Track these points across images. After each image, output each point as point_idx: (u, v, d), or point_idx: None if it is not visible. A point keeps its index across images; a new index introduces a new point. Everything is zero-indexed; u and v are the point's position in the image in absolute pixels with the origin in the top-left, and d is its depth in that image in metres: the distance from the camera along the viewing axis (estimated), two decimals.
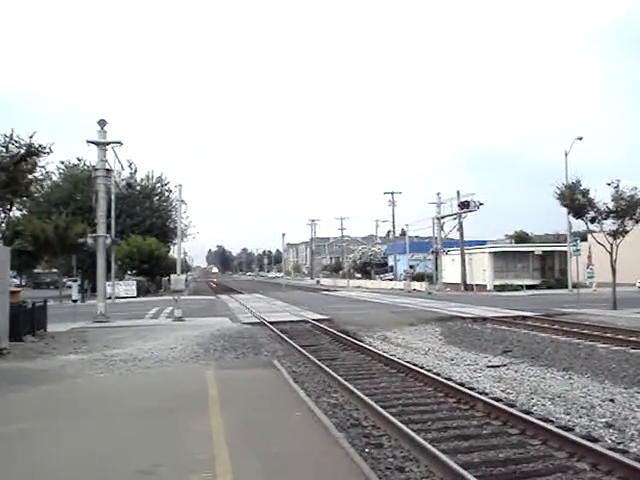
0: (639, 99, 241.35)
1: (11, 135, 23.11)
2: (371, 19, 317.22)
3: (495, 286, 57.97)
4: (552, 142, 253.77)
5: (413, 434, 8.83)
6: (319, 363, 15.87)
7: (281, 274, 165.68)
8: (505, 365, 16.03)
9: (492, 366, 15.94)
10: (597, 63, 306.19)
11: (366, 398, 11.33)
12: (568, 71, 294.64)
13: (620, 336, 20.44)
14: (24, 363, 16.63)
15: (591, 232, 34.09)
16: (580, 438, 8.64)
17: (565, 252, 53.05)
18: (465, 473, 7.08)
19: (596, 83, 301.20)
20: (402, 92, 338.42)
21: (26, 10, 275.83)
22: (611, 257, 30.85)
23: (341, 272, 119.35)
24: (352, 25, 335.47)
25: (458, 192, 63.78)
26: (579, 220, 33.62)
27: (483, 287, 59.13)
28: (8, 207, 26.16)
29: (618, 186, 30.56)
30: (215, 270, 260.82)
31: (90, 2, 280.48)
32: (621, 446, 8.73)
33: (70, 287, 49.53)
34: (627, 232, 30.85)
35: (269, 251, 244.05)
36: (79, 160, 70.85)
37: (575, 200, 31.82)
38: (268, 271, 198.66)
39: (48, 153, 23.98)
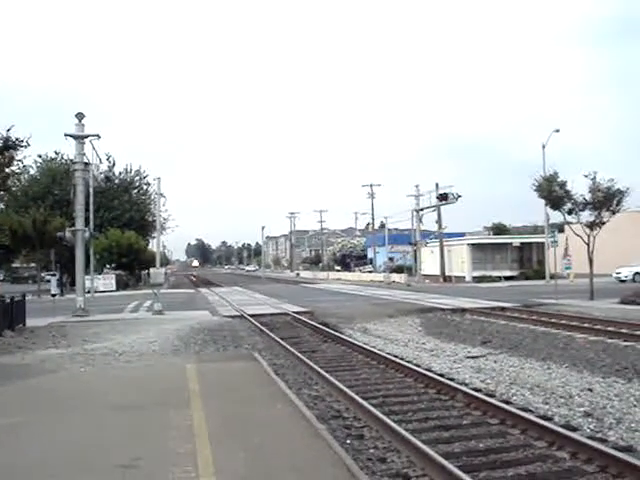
0: (622, 90, 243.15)
1: None
2: (347, 9, 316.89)
3: (474, 277, 58.34)
4: (531, 134, 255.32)
5: (394, 425, 8.88)
6: (300, 355, 15.89)
7: (256, 267, 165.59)
8: (484, 356, 16.14)
9: (471, 357, 16.04)
10: (579, 54, 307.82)
11: (347, 390, 11.37)
12: (548, 62, 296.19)
13: (598, 326, 20.65)
14: (3, 358, 16.50)
15: (568, 223, 34.26)
16: (559, 427, 8.73)
17: (543, 243, 53.46)
18: (446, 463, 7.13)
19: (578, 74, 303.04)
20: (382, 84, 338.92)
21: None
22: (588, 248, 31.08)
23: (321, 265, 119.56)
24: (329, 16, 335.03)
25: (437, 184, 64.06)
26: (557, 212, 33.89)
27: (462, 279, 59.51)
28: None
29: (595, 178, 30.81)
30: (196, 263, 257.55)
31: None
32: (600, 435, 8.84)
33: (49, 281, 49.23)
34: (604, 223, 31.10)
35: (249, 244, 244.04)
36: (57, 154, 70.42)
37: (553, 192, 32.03)
38: (248, 264, 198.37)
39: (25, 147, 23.87)
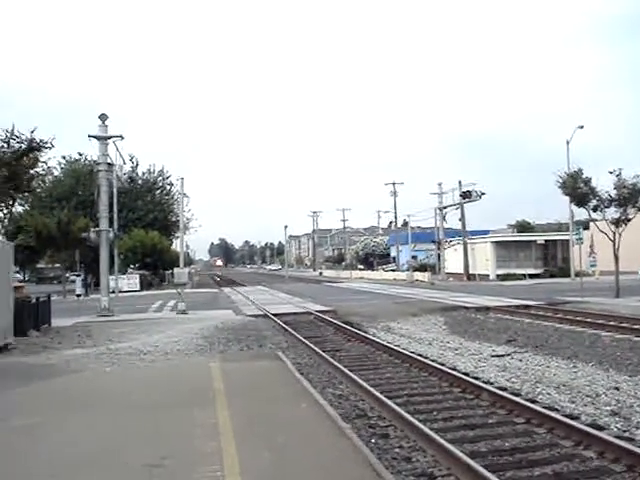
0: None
1: (12, 130, 23.09)
2: (367, 9, 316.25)
3: (498, 275, 57.96)
4: (553, 129, 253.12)
5: (419, 424, 8.85)
6: (323, 354, 15.90)
7: (279, 266, 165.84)
8: (509, 354, 16.05)
9: (496, 355, 15.96)
10: (597, 49, 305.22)
11: (371, 389, 11.36)
12: (568, 57, 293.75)
13: (624, 324, 20.46)
14: (30, 358, 16.67)
15: (593, 220, 34.02)
16: (586, 426, 8.66)
17: (567, 241, 53.09)
18: (472, 462, 7.09)
19: (596, 68, 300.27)
20: (403, 81, 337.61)
21: (28, 4, 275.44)
22: (614, 245, 30.81)
23: (343, 263, 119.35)
24: (349, 17, 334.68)
25: (460, 182, 63.85)
26: (581, 208, 33.60)
27: (486, 277, 59.14)
28: (10, 202, 26.20)
29: (620, 174, 30.56)
30: (219, 263, 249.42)
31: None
32: (627, 434, 8.76)
33: (73, 282, 49.58)
34: (629, 220, 30.83)
35: (271, 243, 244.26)
36: (80, 155, 70.85)
37: (577, 189, 31.79)
38: (271, 263, 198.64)
39: (50, 148, 23.98)
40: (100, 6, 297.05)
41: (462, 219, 64.89)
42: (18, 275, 69.73)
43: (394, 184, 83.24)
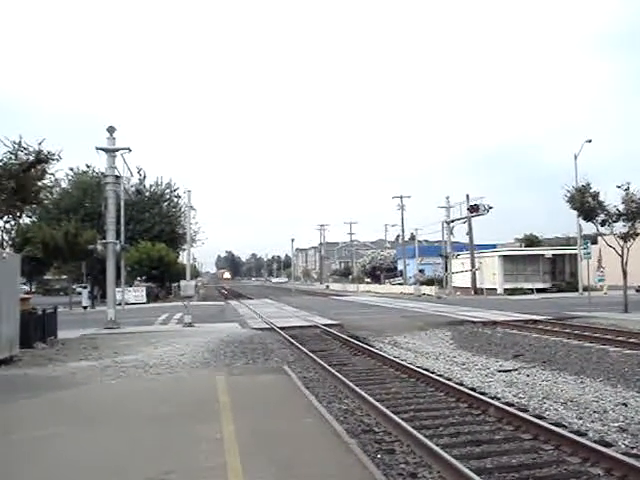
0: None
1: (20, 142, 23.09)
2: (378, 24, 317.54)
3: (505, 290, 57.85)
4: (560, 143, 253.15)
5: (425, 440, 8.79)
6: (329, 368, 15.82)
7: (285, 279, 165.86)
8: (516, 369, 15.97)
9: (503, 370, 15.88)
10: (606, 64, 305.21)
11: (377, 404, 11.30)
12: (575, 72, 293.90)
13: (632, 340, 20.34)
14: (35, 370, 16.65)
15: (601, 235, 33.98)
16: (593, 443, 8.59)
17: (575, 255, 52.96)
18: (478, 479, 7.03)
19: (605, 83, 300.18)
20: (411, 95, 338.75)
21: (34, 17, 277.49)
22: (622, 260, 30.73)
23: (350, 277, 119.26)
24: (357, 31, 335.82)
25: (467, 196, 63.87)
26: (589, 223, 33.54)
27: (493, 291, 59.03)
28: (18, 214, 26.17)
29: (628, 188, 30.53)
30: (227, 275, 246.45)
31: (99, 11, 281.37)
32: (635, 450, 8.69)
33: (80, 293, 49.69)
34: (638, 234, 30.75)
35: (278, 256, 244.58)
36: (88, 167, 71.07)
37: (585, 203, 31.76)
38: (277, 276, 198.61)
39: (57, 160, 23.97)
40: (109, 19, 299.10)
41: (470, 233, 64.83)
42: (25, 287, 70.00)
43: (401, 198, 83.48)
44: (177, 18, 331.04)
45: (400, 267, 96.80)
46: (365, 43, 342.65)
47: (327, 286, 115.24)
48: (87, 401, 12.43)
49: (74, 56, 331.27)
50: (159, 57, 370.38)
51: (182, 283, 34.18)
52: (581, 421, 10.45)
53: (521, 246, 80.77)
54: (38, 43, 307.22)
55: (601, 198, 31.41)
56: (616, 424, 10.12)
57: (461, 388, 12.92)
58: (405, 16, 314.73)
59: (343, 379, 14.18)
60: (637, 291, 44.49)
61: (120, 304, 38.85)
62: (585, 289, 42.64)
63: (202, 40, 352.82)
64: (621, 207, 30.69)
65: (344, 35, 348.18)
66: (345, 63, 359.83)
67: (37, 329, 21.92)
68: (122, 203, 40.25)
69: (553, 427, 9.41)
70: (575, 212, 35.06)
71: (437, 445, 8.59)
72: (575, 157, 48.94)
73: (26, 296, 26.64)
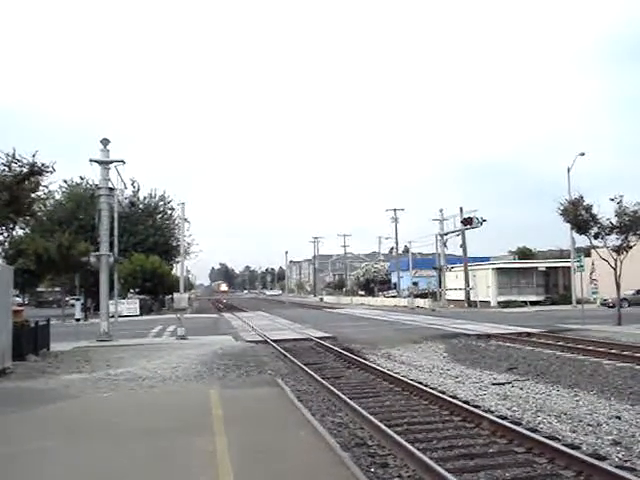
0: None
1: (13, 154, 23.10)
2: (373, 38, 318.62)
3: (499, 302, 57.93)
4: (553, 155, 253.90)
5: (419, 453, 8.77)
6: (323, 382, 15.79)
7: (279, 291, 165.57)
8: (510, 383, 15.95)
9: (497, 384, 15.86)
10: (598, 75, 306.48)
11: (371, 417, 11.27)
12: (570, 84, 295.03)
13: (626, 352, 20.36)
14: (27, 383, 16.57)
15: (595, 248, 34.03)
16: (587, 456, 8.58)
17: (569, 268, 53.07)
18: None
19: (599, 95, 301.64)
20: (404, 107, 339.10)
21: (27, 29, 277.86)
22: (615, 273, 30.79)
23: (344, 289, 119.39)
24: (352, 46, 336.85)
25: (461, 208, 64.00)
26: (583, 236, 33.64)
27: (487, 304, 59.09)
28: (11, 226, 26.10)
29: (621, 201, 30.68)
30: (224, 287, 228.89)
31: (91, 19, 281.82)
32: (628, 464, 8.67)
33: (73, 306, 49.45)
34: (631, 247, 30.84)
35: (272, 269, 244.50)
36: (82, 179, 71.22)
37: (578, 216, 31.87)
38: (271, 288, 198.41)
39: (51, 172, 23.96)
40: (103, 29, 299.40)
41: (463, 245, 64.97)
42: (18, 299, 69.76)
43: (395, 210, 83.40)
44: (175, 27, 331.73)
45: (394, 280, 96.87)
46: (359, 57, 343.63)
47: (321, 298, 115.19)
48: (79, 414, 12.37)
49: (68, 67, 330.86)
50: (154, 66, 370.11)
51: (175, 296, 34.26)
52: (575, 434, 10.43)
53: (515, 259, 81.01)
54: (31, 55, 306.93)
55: (594, 211, 31.53)
56: (610, 437, 10.11)
57: (455, 401, 12.89)
58: (399, 30, 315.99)
59: (337, 392, 14.13)
60: (609, 307, 44.33)
61: (113, 316, 38.64)
62: (578, 302, 42.64)
63: (197, 50, 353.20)
64: (614, 220, 30.81)
65: (339, 49, 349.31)
66: (340, 76, 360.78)
67: (30, 341, 21.85)
68: (116, 215, 40.04)
69: (547, 440, 9.39)
70: (568, 225, 35.19)
71: (431, 458, 8.57)
72: (568, 170, 49.18)
73: (19, 308, 26.53)
